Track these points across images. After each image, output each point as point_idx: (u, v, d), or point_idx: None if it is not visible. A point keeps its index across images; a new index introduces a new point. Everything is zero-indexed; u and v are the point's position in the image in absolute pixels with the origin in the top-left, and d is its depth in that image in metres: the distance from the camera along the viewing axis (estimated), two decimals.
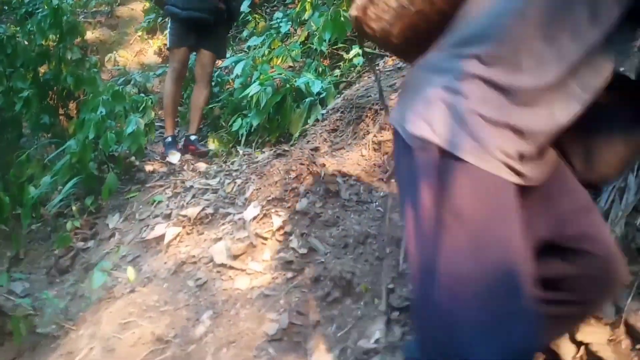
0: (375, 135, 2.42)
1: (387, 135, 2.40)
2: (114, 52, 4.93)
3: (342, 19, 2.72)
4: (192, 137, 3.40)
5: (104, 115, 2.77)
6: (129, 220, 2.83)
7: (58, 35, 3.06)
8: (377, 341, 1.45)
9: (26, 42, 3.19)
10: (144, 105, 3.09)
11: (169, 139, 3.28)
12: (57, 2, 2.80)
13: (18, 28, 3.44)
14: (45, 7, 2.86)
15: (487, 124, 0.77)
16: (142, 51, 5.12)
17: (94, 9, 5.30)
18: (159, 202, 2.75)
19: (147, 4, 5.23)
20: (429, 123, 0.80)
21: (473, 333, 0.75)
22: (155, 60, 5.12)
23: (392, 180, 2.12)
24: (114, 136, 2.71)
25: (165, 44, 5.13)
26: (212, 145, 3.48)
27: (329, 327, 1.59)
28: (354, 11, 1.00)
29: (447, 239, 0.77)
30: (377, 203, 2.13)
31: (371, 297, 1.71)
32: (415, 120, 0.83)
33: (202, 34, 3.25)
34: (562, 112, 0.80)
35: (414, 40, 0.97)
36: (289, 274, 1.82)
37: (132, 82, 4.40)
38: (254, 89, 2.88)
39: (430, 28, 0.93)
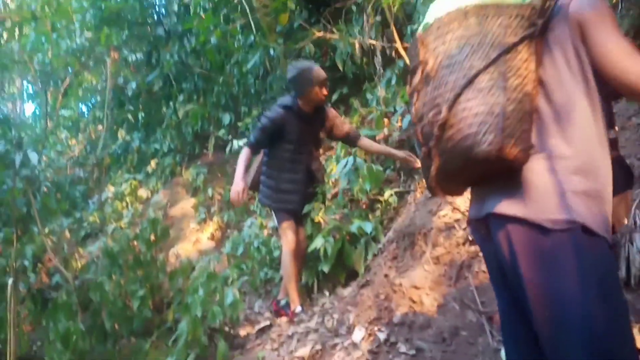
0: (431, 253, 2.99)
1: (441, 250, 2.96)
2: (175, 247, 5.68)
3: (375, 171, 3.51)
4: (282, 302, 3.65)
5: (206, 293, 3.36)
6: None
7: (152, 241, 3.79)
8: None
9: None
10: (231, 279, 3.69)
11: (299, 308, 3.42)
12: (153, 216, 3.58)
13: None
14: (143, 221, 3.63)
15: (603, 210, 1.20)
16: (198, 240, 5.89)
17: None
18: (263, 357, 3.19)
19: (195, 201, 6.16)
20: (573, 210, 1.16)
21: None
22: (209, 245, 5.86)
23: (461, 281, 2.64)
24: (220, 309, 3.26)
25: (216, 229, 5.96)
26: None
27: None
28: (490, 148, 1.15)
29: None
30: (451, 304, 2.63)
31: None
32: (560, 209, 1.17)
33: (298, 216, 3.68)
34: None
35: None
36: None
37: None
38: (319, 242, 3.51)
39: None
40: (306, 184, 3.66)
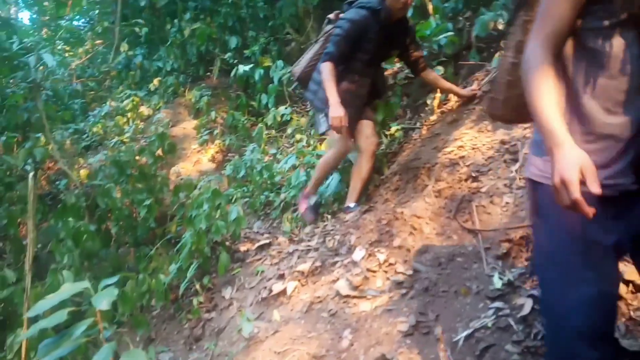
0: (433, 187, 3.09)
1: (443, 184, 3.06)
2: (176, 165, 5.76)
3: (391, 102, 3.55)
4: (352, 205, 3.35)
5: (211, 208, 3.47)
6: (240, 290, 3.43)
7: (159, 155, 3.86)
8: (488, 315, 2.04)
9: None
10: (234, 198, 3.80)
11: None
12: (161, 130, 3.63)
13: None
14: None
15: None
16: (199, 161, 5.96)
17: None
18: (262, 271, 3.36)
19: (197, 123, 6.18)
20: (528, 168, 1.43)
21: None
22: (210, 166, 5.94)
23: (460, 214, 2.76)
24: (224, 223, 3.39)
25: (217, 151, 6.02)
26: (287, 225, 4.14)
27: (448, 317, 2.18)
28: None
29: None
30: (450, 233, 2.76)
31: (471, 297, 2.30)
32: (535, 169, 1.40)
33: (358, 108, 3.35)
34: None
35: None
36: (403, 291, 2.41)
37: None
38: None
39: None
40: (365, 101, 3.40)
